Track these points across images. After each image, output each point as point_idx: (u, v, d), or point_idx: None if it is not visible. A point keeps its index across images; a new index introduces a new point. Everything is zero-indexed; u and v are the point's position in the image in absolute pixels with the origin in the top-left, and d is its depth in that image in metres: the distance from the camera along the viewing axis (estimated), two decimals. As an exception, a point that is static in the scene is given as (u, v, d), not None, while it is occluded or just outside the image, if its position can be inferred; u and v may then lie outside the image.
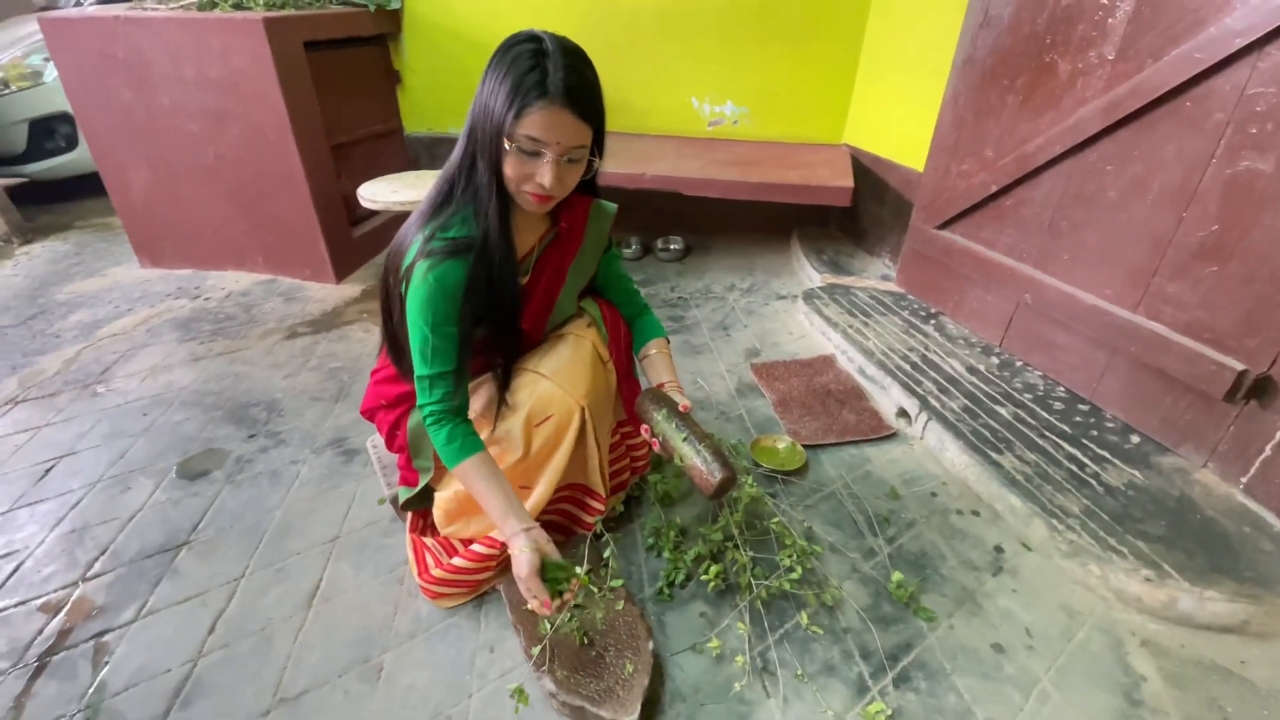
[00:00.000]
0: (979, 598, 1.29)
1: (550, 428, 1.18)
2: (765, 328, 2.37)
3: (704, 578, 1.27)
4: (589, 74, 0.97)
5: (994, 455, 1.53)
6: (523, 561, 1.04)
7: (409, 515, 1.39)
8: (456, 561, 1.23)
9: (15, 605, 1.29)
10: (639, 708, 1.02)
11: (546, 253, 1.19)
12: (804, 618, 1.22)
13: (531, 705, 1.09)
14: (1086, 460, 1.52)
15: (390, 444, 1.33)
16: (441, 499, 1.29)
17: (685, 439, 1.15)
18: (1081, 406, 1.72)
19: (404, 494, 1.33)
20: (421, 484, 1.29)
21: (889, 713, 1.07)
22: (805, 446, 1.67)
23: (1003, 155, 1.86)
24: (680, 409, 1.19)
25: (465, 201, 1.03)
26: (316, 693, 1.12)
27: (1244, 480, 1.40)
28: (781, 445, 1.67)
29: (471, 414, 1.20)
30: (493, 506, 1.09)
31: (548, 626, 1.13)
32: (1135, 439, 1.59)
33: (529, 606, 1.06)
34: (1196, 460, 1.50)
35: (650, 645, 1.13)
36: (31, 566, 1.39)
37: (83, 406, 1.95)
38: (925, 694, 1.11)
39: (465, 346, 1.08)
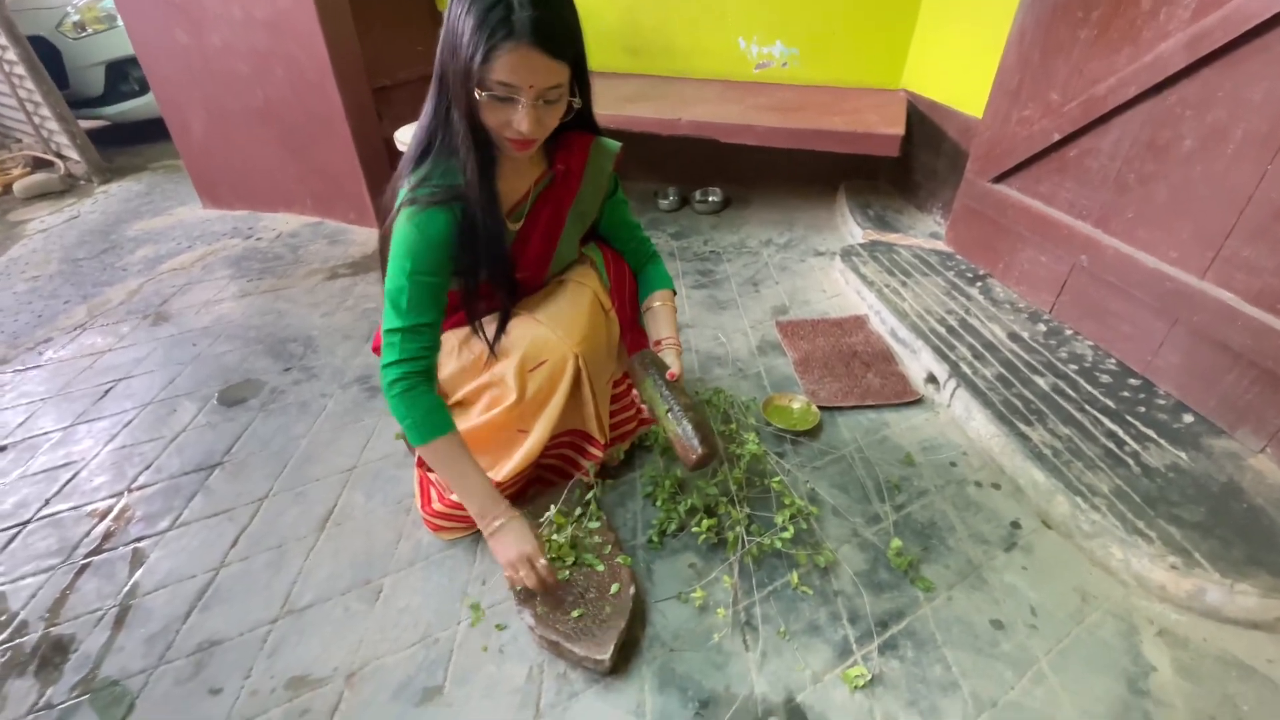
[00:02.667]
0: (985, 572, 1.23)
1: (544, 374, 1.17)
2: (797, 285, 2.28)
3: (695, 530, 1.27)
4: (560, 4, 0.90)
5: (1023, 427, 1.44)
6: (511, 543, 1.08)
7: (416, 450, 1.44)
8: (455, 497, 1.27)
9: (69, 510, 1.43)
10: (612, 648, 1.04)
11: (543, 197, 1.15)
12: (794, 578, 1.20)
13: (515, 638, 1.13)
14: (1127, 438, 1.40)
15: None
16: None
17: (668, 411, 1.12)
18: (1132, 381, 1.58)
19: (410, 430, 1.37)
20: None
21: (868, 677, 1.05)
22: (822, 408, 1.62)
23: (1069, 99, 1.68)
24: (669, 376, 1.16)
25: (445, 152, 1.00)
26: (320, 607, 1.20)
27: (1307, 469, 1.27)
28: (796, 405, 1.62)
29: (465, 358, 1.21)
30: (470, 493, 1.09)
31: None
32: (1187, 418, 1.45)
33: (525, 585, 1.09)
34: (1253, 445, 1.36)
35: (631, 590, 1.14)
36: (85, 476, 1.52)
37: (142, 335, 2.09)
38: (910, 662, 1.08)
39: (442, 301, 1.06)
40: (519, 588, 1.12)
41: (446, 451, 1.07)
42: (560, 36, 0.88)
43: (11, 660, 1.11)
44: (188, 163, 2.96)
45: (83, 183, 3.50)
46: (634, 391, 1.43)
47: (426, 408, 1.05)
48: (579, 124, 1.09)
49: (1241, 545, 1.15)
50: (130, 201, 3.25)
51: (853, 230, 2.52)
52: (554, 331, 1.17)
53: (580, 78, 0.99)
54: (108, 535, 1.37)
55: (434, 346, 1.07)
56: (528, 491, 1.35)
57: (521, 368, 1.17)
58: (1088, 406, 1.50)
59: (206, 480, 1.50)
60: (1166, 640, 1.11)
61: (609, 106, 2.37)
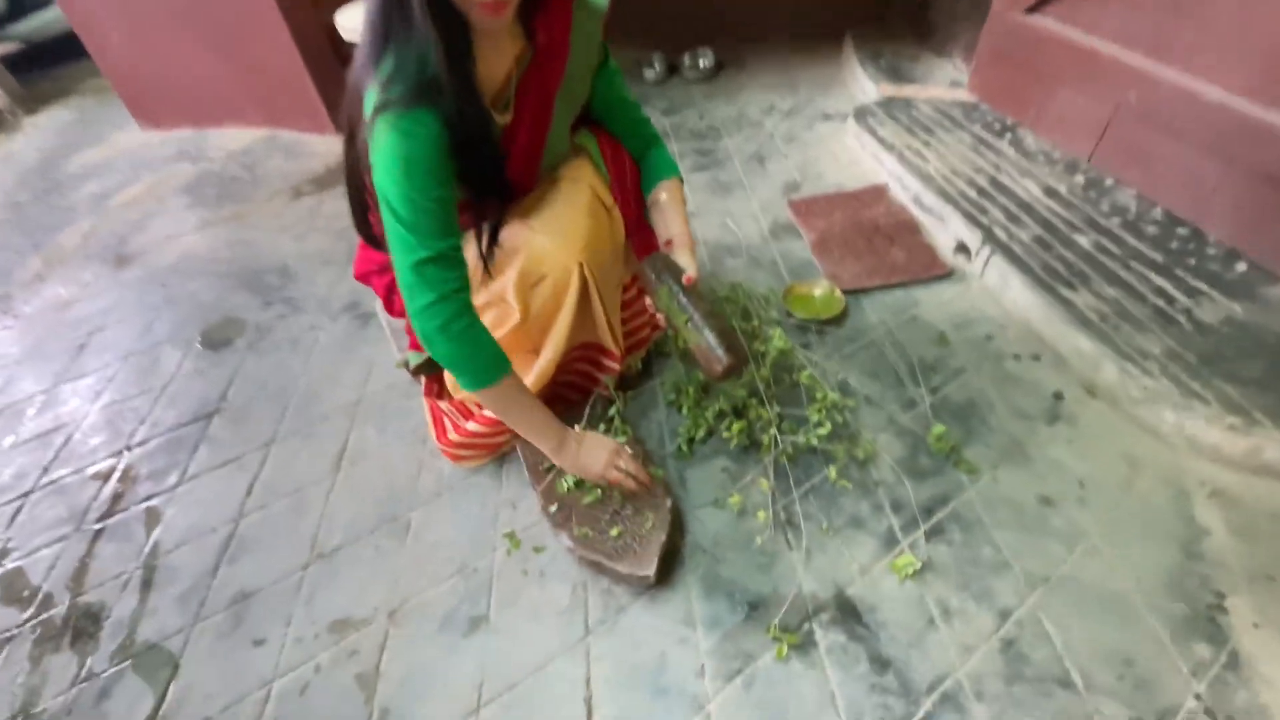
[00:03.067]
0: (1029, 448, 1.19)
1: (547, 289, 1.06)
2: (808, 156, 2.09)
3: (726, 435, 1.21)
4: None
5: (1065, 292, 1.34)
6: (602, 456, 1.07)
7: (423, 379, 1.35)
8: (471, 426, 1.20)
9: (71, 474, 1.37)
10: (655, 562, 1.01)
11: (526, 79, 0.97)
12: (832, 472, 1.16)
13: (554, 559, 1.10)
14: (1178, 294, 1.31)
15: (390, 308, 1.25)
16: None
17: (688, 321, 1.01)
18: (1180, 230, 1.46)
19: (414, 359, 1.27)
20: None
21: (917, 565, 1.03)
22: (846, 292, 1.51)
23: (1126, -102, 1.42)
24: (685, 281, 1.04)
25: (405, 38, 0.80)
26: (350, 549, 1.16)
27: (1375, 311, 1.18)
28: (818, 291, 1.51)
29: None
30: (540, 429, 1.05)
31: (564, 486, 1.12)
32: (1241, 267, 1.35)
33: (625, 484, 1.08)
34: (1316, 289, 1.27)
35: (669, 501, 1.09)
36: (80, 438, 1.45)
37: (106, 281, 1.94)
38: (959, 546, 1.06)
39: (455, 216, 0.91)
40: (553, 507, 1.09)
41: (511, 392, 0.99)
42: None
43: (44, 635, 1.09)
44: (114, 81, 2.64)
45: (7, 116, 3.16)
46: (646, 298, 1.32)
47: (488, 346, 0.94)
48: None
49: (1305, 399, 1.10)
50: (63, 133, 2.95)
51: (864, 87, 2.27)
52: (552, 240, 1.04)
53: None
54: (116, 497, 1.32)
55: (466, 272, 0.93)
56: (545, 413, 1.28)
57: (522, 284, 1.05)
58: (1134, 263, 1.39)
59: (207, 430, 1.43)
60: (1219, 502, 1.08)
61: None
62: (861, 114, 2.04)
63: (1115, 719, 0.87)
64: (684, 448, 1.23)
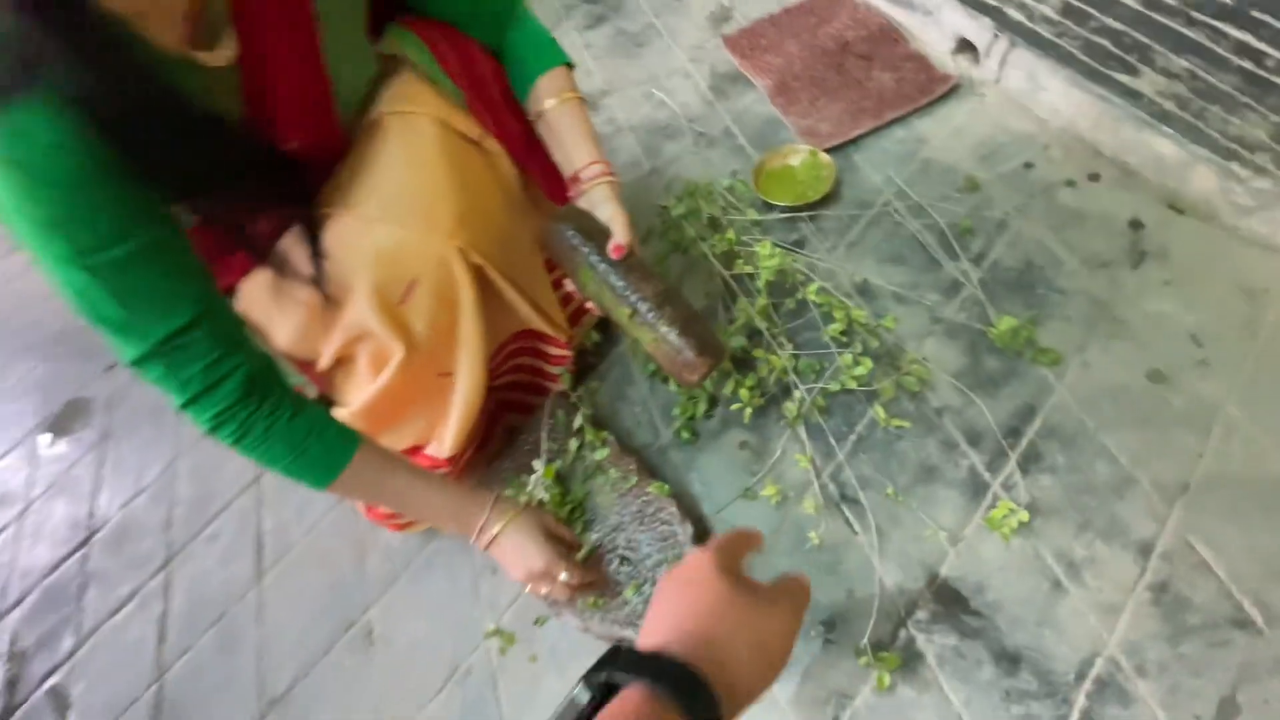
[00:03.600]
0: (1117, 308, 0.91)
1: (425, 297, 0.70)
2: (728, -33, 1.58)
3: (734, 407, 0.91)
4: None
5: (1121, 77, 0.99)
6: (518, 558, 0.75)
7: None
8: (420, 525, 0.89)
9: (-63, 674, 1.07)
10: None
11: None
12: (880, 412, 0.88)
13: (565, 629, 0.85)
14: (1265, 46, 0.95)
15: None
16: (349, 416, 0.88)
17: (632, 315, 0.67)
18: (1251, -58, 1.07)
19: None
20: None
21: (1021, 512, 0.79)
22: (831, 150, 1.14)
23: None
24: (612, 252, 0.67)
25: None
26: (307, 681, 0.91)
27: None
28: (796, 160, 1.14)
29: (294, 310, 0.72)
30: (433, 509, 0.75)
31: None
32: (1347, -26, 0.99)
33: (552, 596, 0.78)
34: None
35: (689, 528, 0.82)
36: (-66, 620, 1.13)
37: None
38: (1065, 471, 0.82)
39: (182, 263, 0.55)
40: (581, 552, 0.82)
41: (370, 473, 0.68)
42: None
43: None
44: None
45: None
46: (566, 280, 0.91)
47: (303, 434, 0.63)
48: None
49: None
50: None
51: None
52: (403, 225, 0.67)
53: None
54: (11, 684, 1.03)
55: (234, 342, 0.60)
56: (492, 438, 0.96)
57: (383, 303, 0.69)
58: (1197, 15, 1.02)
59: (86, 563, 1.12)
60: (1377, 317, 0.83)
61: None
62: (784, -115, 1.50)
63: (1316, 654, 0.68)
64: (684, 433, 0.94)
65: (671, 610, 0.39)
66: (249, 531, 1.06)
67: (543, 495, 0.84)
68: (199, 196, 0.56)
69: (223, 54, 0.54)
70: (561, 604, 0.80)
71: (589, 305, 0.78)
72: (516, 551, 0.74)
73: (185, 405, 0.58)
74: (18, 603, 1.11)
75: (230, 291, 0.76)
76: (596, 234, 0.69)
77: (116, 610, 1.05)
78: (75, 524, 1.17)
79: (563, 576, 0.74)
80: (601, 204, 0.71)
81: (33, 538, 1.18)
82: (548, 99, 0.73)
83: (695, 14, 1.49)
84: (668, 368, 0.72)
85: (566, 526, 0.82)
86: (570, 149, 0.73)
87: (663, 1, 1.55)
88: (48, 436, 1.31)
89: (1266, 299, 0.87)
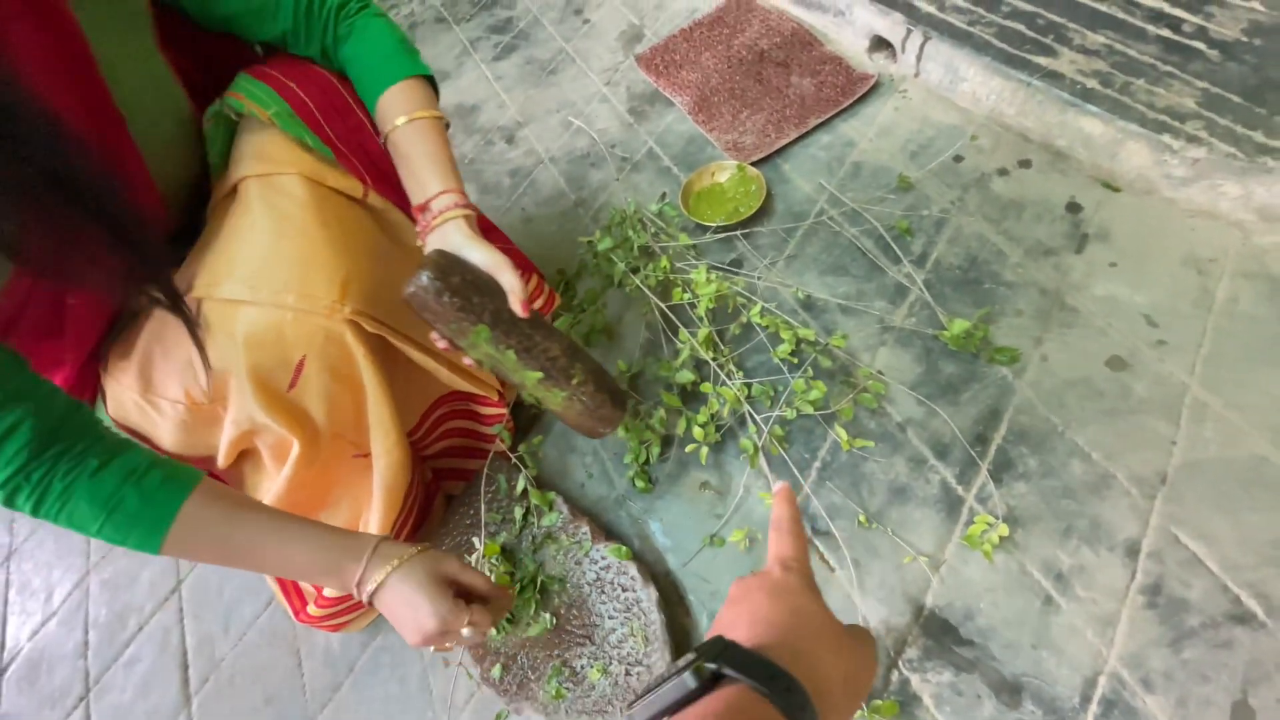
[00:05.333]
0: (1067, 296, 0.88)
1: (319, 377, 0.62)
2: (635, -14, 1.54)
3: (689, 449, 0.84)
4: None
5: (1040, 59, 0.97)
6: (406, 613, 0.59)
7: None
8: (330, 592, 0.79)
9: None
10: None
11: None
12: (842, 436, 0.83)
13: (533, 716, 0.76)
14: (1180, 12, 0.96)
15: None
16: None
17: (543, 379, 0.60)
18: (1144, -84, 1.07)
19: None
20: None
21: (1002, 527, 0.74)
22: (758, 164, 1.09)
23: None
24: (522, 308, 0.61)
25: None
26: (250, 821, 0.80)
27: None
28: (724, 177, 1.09)
29: (170, 407, 0.63)
30: (301, 563, 0.59)
31: (496, 635, 0.75)
32: (1239, -62, 1.00)
33: (448, 649, 0.66)
34: (1348, -65, 0.93)
35: (653, 593, 0.75)
36: None
37: None
38: (1039, 475, 0.77)
39: None
40: (495, 670, 0.73)
41: (212, 525, 0.55)
42: None
43: None
44: None
45: None
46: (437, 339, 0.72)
47: (112, 486, 0.52)
48: None
49: (1404, 100, 0.80)
50: None
51: None
52: (276, 302, 0.58)
53: None
54: None
55: (12, 393, 0.49)
56: (430, 511, 0.88)
57: (267, 394, 0.60)
58: (1105, -15, 1.02)
59: (-12, 711, 0.98)
60: (1322, 276, 0.82)
61: None
62: (682, -101, 1.48)
63: (1322, 643, 0.64)
64: (638, 482, 0.87)
65: (764, 616, 0.36)
66: (171, 650, 0.95)
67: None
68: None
69: None
70: (516, 697, 0.71)
71: (468, 363, 0.69)
72: (405, 607, 0.58)
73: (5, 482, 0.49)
74: (-90, 767, 0.97)
75: (87, 375, 0.66)
76: (479, 286, 0.61)
77: (28, 769, 0.92)
78: (-27, 673, 1.03)
79: (465, 632, 0.60)
80: (464, 245, 0.62)
81: (-75, 687, 1.04)
82: (398, 117, 0.63)
83: (606, 36, 1.45)
84: (578, 425, 0.66)
85: (474, 570, 0.65)
86: (418, 175, 0.63)
87: (571, 26, 1.50)
88: (-62, 566, 1.16)
89: (1215, 269, 0.85)
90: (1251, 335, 0.80)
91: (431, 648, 0.67)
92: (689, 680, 0.31)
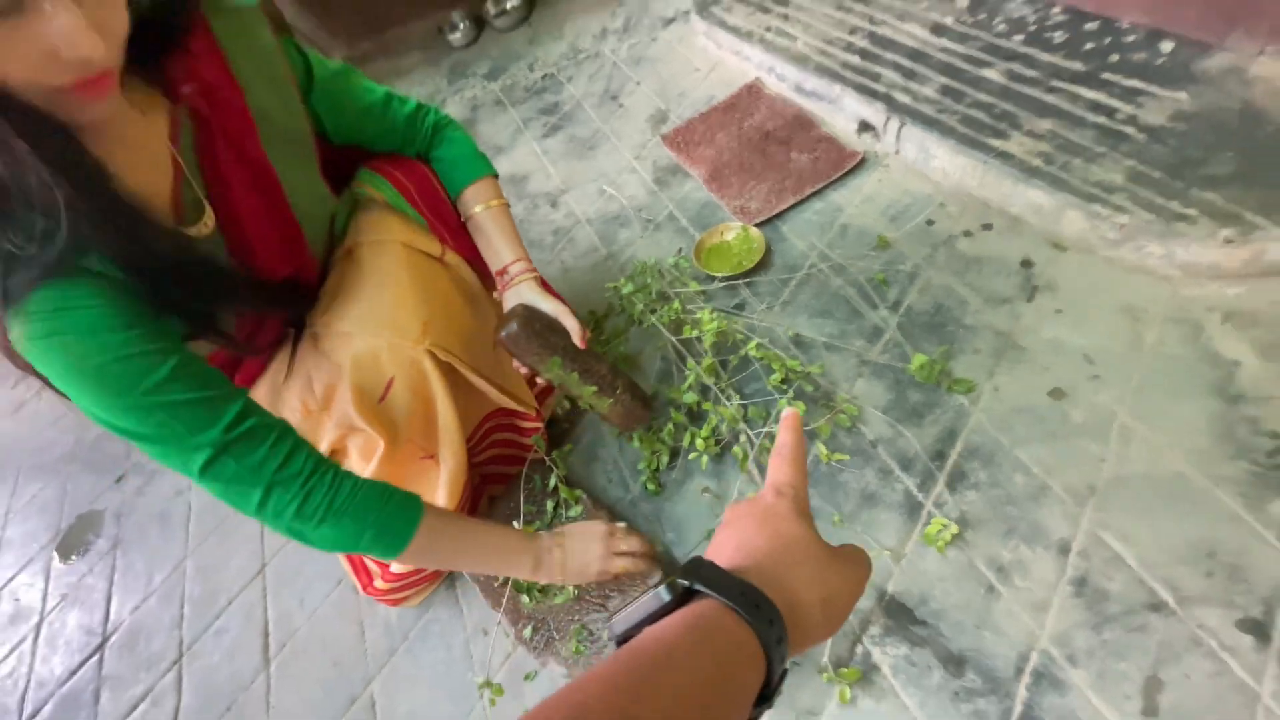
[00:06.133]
0: (1019, 338, 1.03)
1: (402, 392, 0.81)
2: (663, 75, 1.80)
3: (693, 456, 1.01)
4: None
5: (995, 142, 1.15)
6: (589, 558, 0.87)
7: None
8: (397, 567, 0.97)
9: (-48, 796, 1.10)
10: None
11: (204, 158, 0.66)
12: (822, 451, 0.98)
13: (552, 679, 0.91)
14: (1115, 102, 1.14)
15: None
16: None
17: (597, 391, 0.84)
18: (1088, 25, 1.27)
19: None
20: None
21: (951, 526, 0.87)
22: (760, 224, 1.29)
23: None
24: (581, 342, 0.83)
25: None
26: (315, 760, 0.95)
27: (1325, 48, 1.04)
28: (731, 236, 1.29)
29: (293, 404, 0.83)
30: (504, 554, 0.83)
31: (527, 601, 0.91)
32: (1166, 46, 1.18)
33: (633, 568, 0.89)
34: (1250, 48, 1.11)
35: (658, 571, 0.90)
36: (-48, 742, 1.17)
37: (-79, 521, 1.58)
38: (988, 486, 0.91)
39: (213, 376, 0.63)
40: (527, 630, 0.89)
41: (440, 534, 0.74)
42: None
43: None
44: None
45: None
46: (519, 365, 0.95)
47: (378, 494, 0.69)
48: (169, 9, 0.58)
49: (1292, 178, 0.95)
50: None
51: (694, -27, 1.97)
52: (377, 335, 0.78)
53: None
54: (23, 796, 1.06)
55: (278, 431, 0.65)
56: (477, 510, 1.05)
57: (364, 404, 0.80)
58: (1055, 81, 1.21)
59: (100, 669, 1.17)
60: (1236, 324, 0.95)
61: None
62: (703, 4, 1.75)
63: (1221, 628, 0.75)
64: (650, 486, 1.03)
65: (748, 540, 0.38)
66: (255, 622, 1.12)
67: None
68: (205, 325, 0.66)
69: (205, 226, 0.66)
70: (542, 654, 0.87)
71: (544, 381, 0.90)
72: (583, 537, 0.87)
73: (266, 494, 0.62)
74: (34, 715, 1.15)
75: None
76: (552, 328, 0.83)
77: (131, 711, 1.09)
78: (89, 631, 1.23)
79: (630, 544, 0.88)
80: (536, 299, 0.85)
81: (48, 649, 1.23)
82: (475, 205, 0.87)
83: (637, 118, 1.70)
84: (621, 423, 0.84)
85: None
86: (496, 248, 0.87)
87: (608, 109, 1.76)
88: (60, 550, 1.38)
89: (1146, 316, 1.00)
90: (1174, 371, 0.94)
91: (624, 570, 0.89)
92: (663, 594, 0.33)
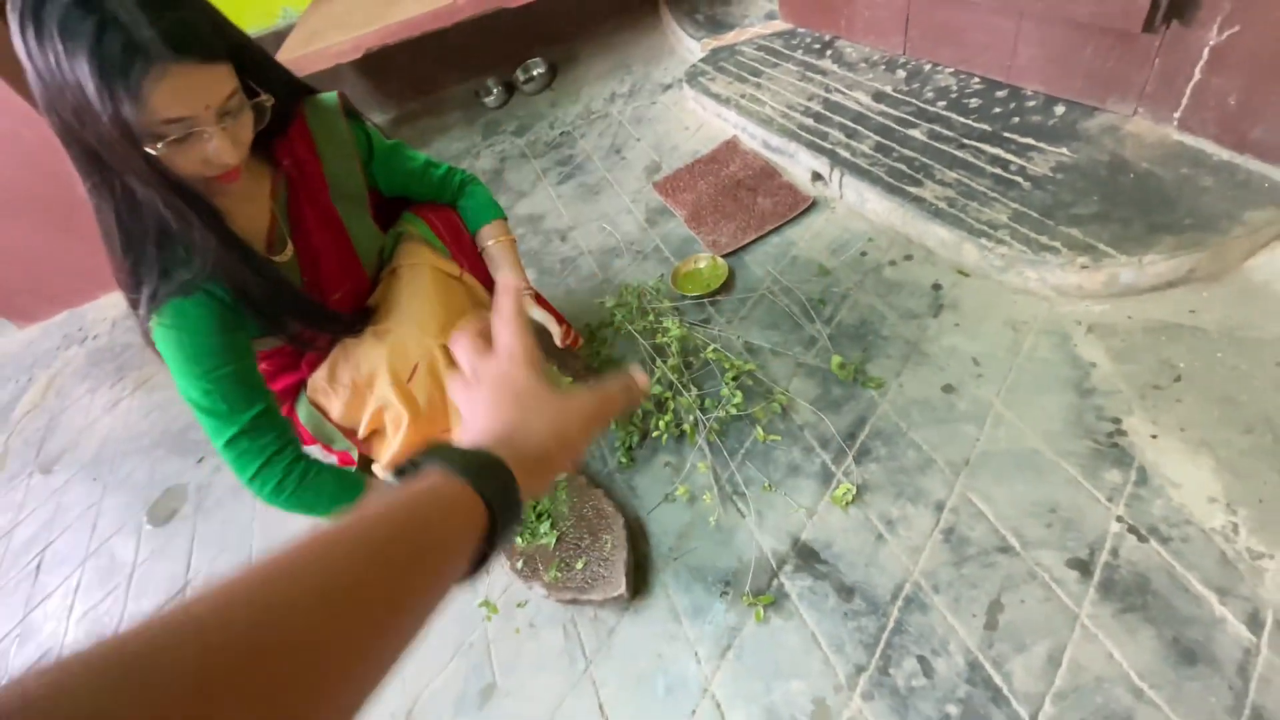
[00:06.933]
0: (924, 345, 1.27)
1: (424, 377, 1.09)
2: (659, 133, 2.12)
3: (656, 433, 1.27)
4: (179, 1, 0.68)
5: (914, 190, 1.41)
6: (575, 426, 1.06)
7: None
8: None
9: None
10: (624, 580, 1.07)
11: (294, 209, 0.97)
12: (759, 432, 1.22)
13: (539, 607, 1.15)
14: (1010, 156, 1.39)
15: (302, 439, 1.27)
16: (383, 467, 1.25)
17: (571, 382, 1.08)
18: (999, 93, 1.54)
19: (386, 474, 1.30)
20: (356, 461, 1.25)
21: (854, 490, 1.10)
22: (727, 255, 1.57)
23: None
24: (560, 341, 1.10)
25: (148, 239, 0.79)
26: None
27: (1176, 116, 1.27)
28: (702, 264, 1.57)
29: (342, 392, 1.11)
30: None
31: (521, 541, 1.17)
32: (1059, 109, 1.44)
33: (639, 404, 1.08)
34: (1125, 110, 1.36)
35: (620, 519, 1.15)
36: (63, 659, 1.46)
37: (38, 494, 1.92)
38: (886, 459, 1.14)
39: (258, 380, 0.92)
40: (518, 562, 1.13)
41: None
42: (203, 33, 0.70)
43: None
44: (-32, 290, 2.55)
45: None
46: None
47: (329, 485, 0.96)
48: (288, 91, 0.91)
49: (1140, 219, 1.19)
50: (-60, 357, 2.84)
51: (688, 46, 2.31)
52: (408, 331, 1.06)
53: (249, 63, 0.79)
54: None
55: (287, 430, 0.94)
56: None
57: (397, 382, 1.08)
58: (966, 140, 1.47)
59: (183, 605, 1.45)
60: (1097, 334, 1.18)
61: (355, 28, 2.02)
62: (692, 75, 2.08)
63: (1054, 565, 0.96)
64: (624, 460, 1.29)
65: (475, 411, 0.43)
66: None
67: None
68: (281, 330, 0.96)
69: (288, 254, 0.97)
70: (529, 579, 1.12)
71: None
72: (546, 412, 1.05)
73: (260, 468, 0.88)
74: (128, 642, 1.43)
75: (301, 384, 1.16)
76: (538, 331, 1.11)
77: (206, 636, 1.37)
78: (173, 579, 1.51)
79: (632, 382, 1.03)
80: (529, 309, 1.13)
81: (139, 592, 1.52)
82: (488, 240, 1.16)
83: (635, 168, 2.01)
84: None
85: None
86: (504, 272, 1.15)
87: (612, 161, 2.08)
88: (150, 516, 1.68)
89: (1024, 329, 1.23)
90: (1042, 371, 1.16)
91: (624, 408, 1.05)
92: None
